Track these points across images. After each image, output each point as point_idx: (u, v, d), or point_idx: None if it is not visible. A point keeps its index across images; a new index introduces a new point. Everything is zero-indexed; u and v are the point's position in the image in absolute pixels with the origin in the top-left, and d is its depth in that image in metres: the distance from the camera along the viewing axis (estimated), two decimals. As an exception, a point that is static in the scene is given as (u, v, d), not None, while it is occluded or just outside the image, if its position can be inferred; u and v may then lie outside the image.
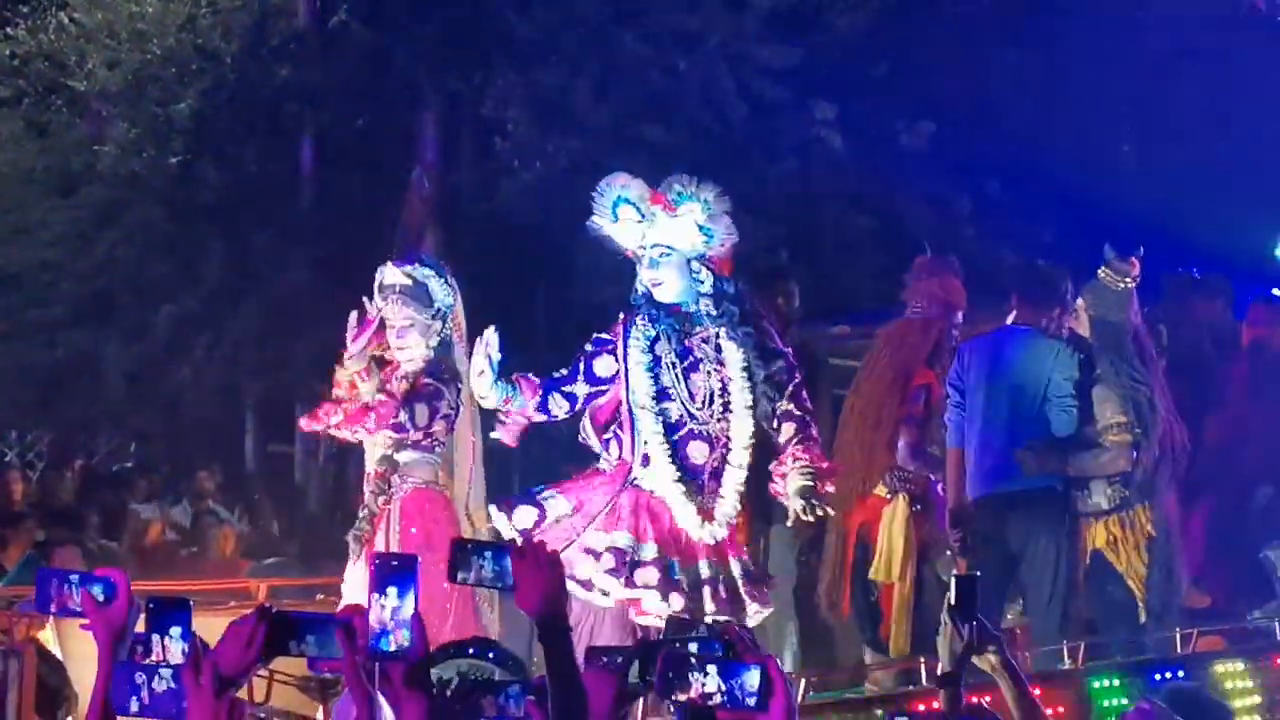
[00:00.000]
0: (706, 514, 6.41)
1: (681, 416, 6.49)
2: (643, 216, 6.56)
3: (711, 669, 3.29)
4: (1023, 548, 7.84)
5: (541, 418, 6.73)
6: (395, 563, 3.42)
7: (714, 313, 6.56)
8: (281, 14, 17.66)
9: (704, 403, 6.49)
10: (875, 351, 8.44)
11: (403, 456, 7.21)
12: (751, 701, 3.29)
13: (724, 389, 6.50)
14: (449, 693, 3.81)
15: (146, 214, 17.17)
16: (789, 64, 17.28)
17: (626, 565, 6.30)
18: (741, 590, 6.44)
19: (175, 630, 3.47)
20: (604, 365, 6.69)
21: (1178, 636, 7.29)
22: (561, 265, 17.27)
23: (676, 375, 6.52)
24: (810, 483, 6.36)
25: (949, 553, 8.02)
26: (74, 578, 3.61)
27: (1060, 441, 7.84)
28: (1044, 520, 7.83)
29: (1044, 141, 17.73)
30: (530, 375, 6.71)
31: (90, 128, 17.66)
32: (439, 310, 7.21)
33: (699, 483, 6.44)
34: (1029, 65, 18.16)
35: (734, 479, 6.48)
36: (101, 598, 3.56)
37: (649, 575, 6.28)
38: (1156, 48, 17.77)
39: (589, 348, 6.73)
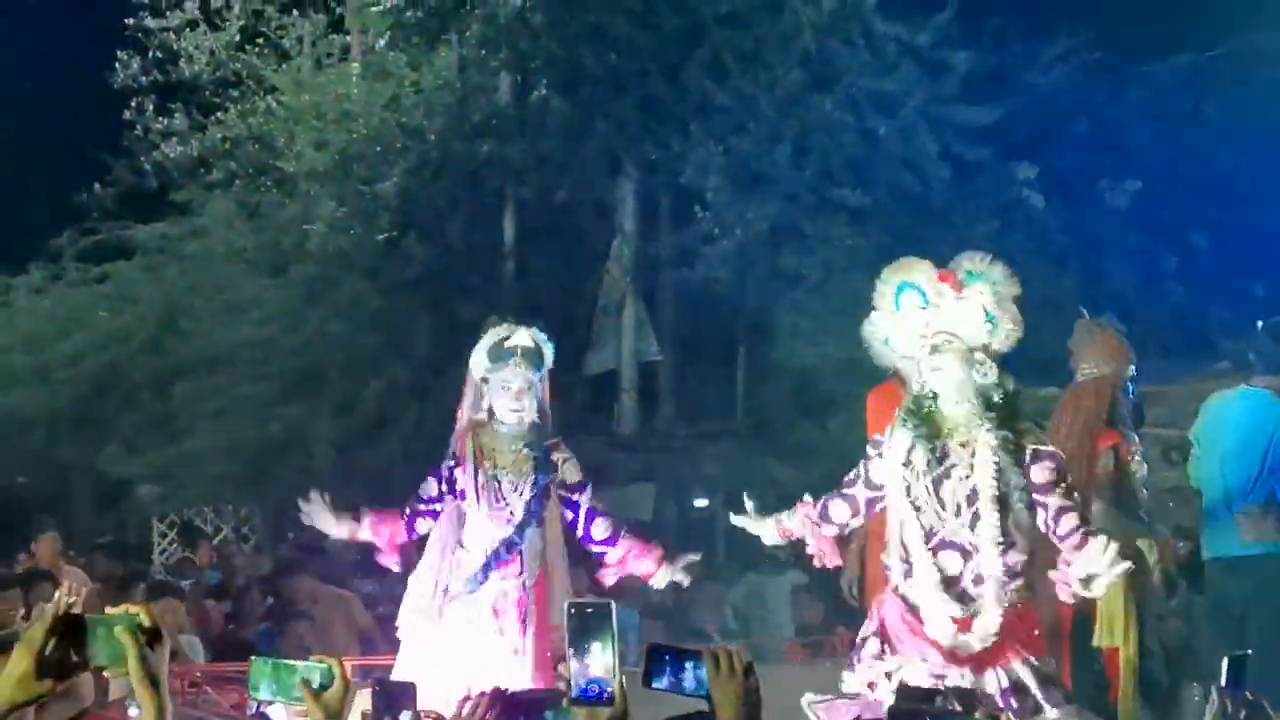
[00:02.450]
0: (963, 625, 6.16)
1: (933, 527, 6.23)
2: (927, 302, 6.18)
3: None
4: (1245, 613, 7.65)
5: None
6: (590, 610, 3.39)
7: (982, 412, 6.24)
8: (483, 90, 17.97)
9: (954, 512, 6.22)
10: (1054, 419, 8.25)
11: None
12: None
13: (973, 495, 6.18)
14: None
15: (354, 290, 17.46)
16: (988, 123, 17.16)
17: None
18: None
19: (405, 715, 3.48)
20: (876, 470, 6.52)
21: None
22: (762, 328, 17.27)
23: (928, 485, 6.26)
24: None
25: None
26: (291, 666, 3.61)
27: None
28: (1265, 587, 7.63)
29: (1251, 195, 17.41)
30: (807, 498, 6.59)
31: (298, 207, 18.04)
32: (542, 376, 7.19)
33: (956, 592, 6.17)
34: (1231, 119, 17.85)
35: (992, 590, 6.17)
36: (317, 684, 3.56)
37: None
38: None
39: (869, 450, 6.49)
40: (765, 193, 17.09)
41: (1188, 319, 16.62)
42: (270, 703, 3.69)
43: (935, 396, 6.08)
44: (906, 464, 6.13)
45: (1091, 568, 5.83)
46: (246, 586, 12.17)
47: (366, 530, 6.94)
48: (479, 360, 7.08)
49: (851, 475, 6.29)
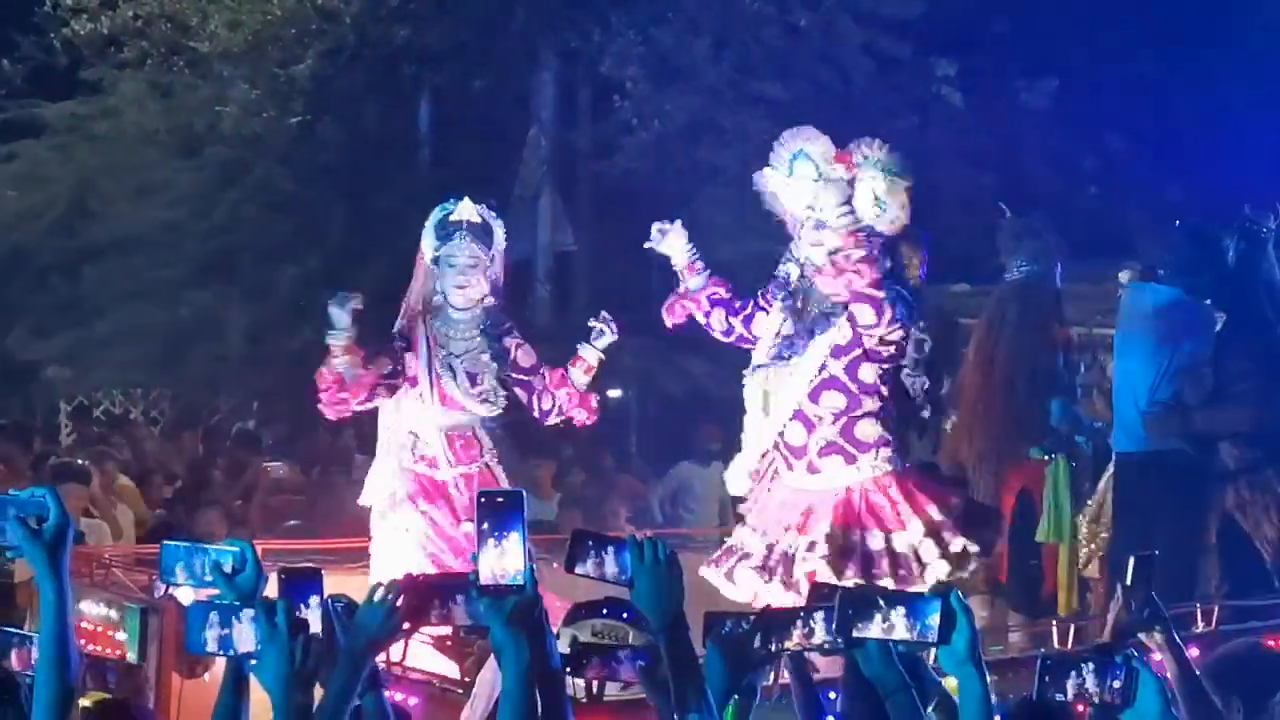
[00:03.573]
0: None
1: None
2: (819, 176, 6.33)
3: (898, 608, 3.34)
4: (1151, 510, 7.74)
5: (702, 319, 6.71)
6: (501, 499, 3.39)
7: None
8: (401, -27, 17.72)
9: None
10: (996, 314, 8.27)
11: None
12: (933, 636, 3.32)
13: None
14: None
15: (268, 174, 17.27)
16: (909, 18, 17.09)
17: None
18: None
19: (313, 599, 3.47)
20: (759, 325, 6.61)
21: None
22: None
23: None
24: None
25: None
26: (204, 549, 3.59)
27: (1185, 405, 7.72)
28: (1170, 484, 7.72)
29: (1168, 97, 17.48)
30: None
31: (212, 88, 17.79)
32: (494, 254, 7.14)
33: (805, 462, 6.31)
34: (1152, 18, 17.88)
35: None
36: (230, 569, 3.54)
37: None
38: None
39: (761, 298, 6.61)
40: (684, 85, 16.99)
41: (1104, 220, 16.69)
42: (179, 585, 3.68)
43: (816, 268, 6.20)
44: (777, 334, 6.27)
45: None
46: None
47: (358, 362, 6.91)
48: (427, 240, 7.03)
49: (739, 304, 6.40)
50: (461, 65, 17.48)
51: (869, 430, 6.21)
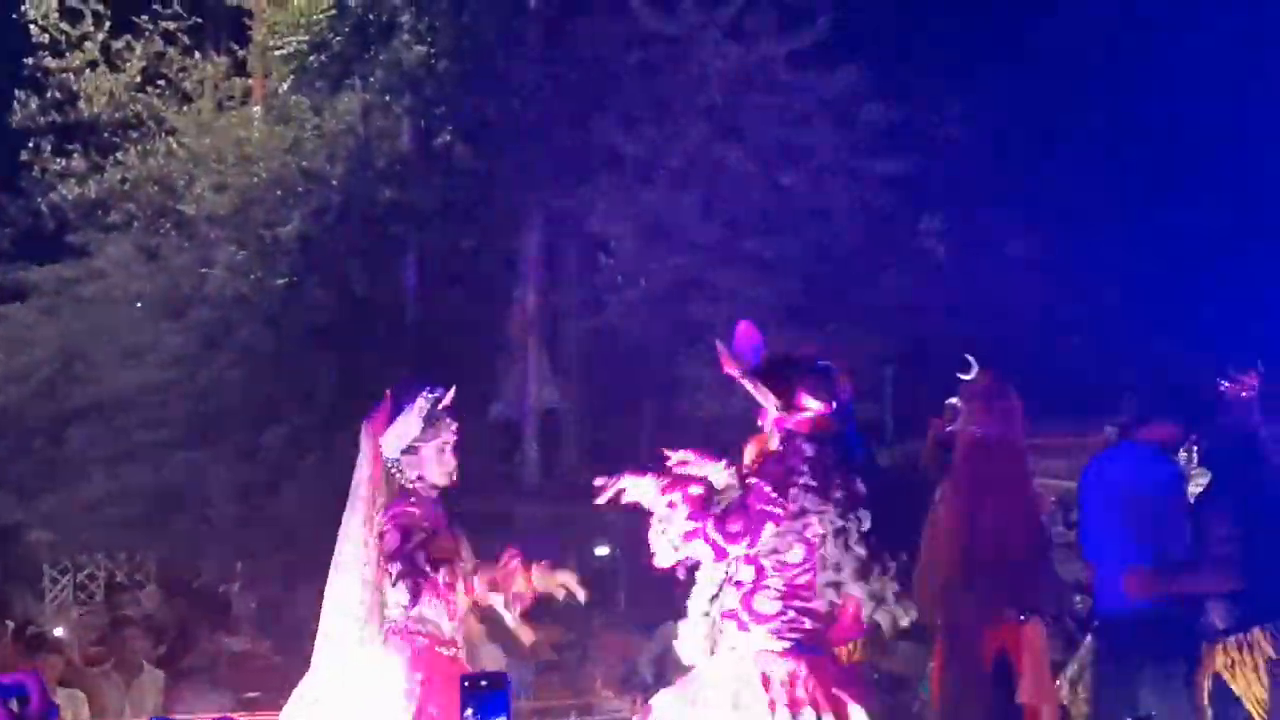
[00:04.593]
0: None
1: None
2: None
3: None
4: (1141, 672, 7.62)
5: None
6: (485, 683, 3.31)
7: None
8: (386, 136, 17.86)
9: None
10: (964, 473, 8.07)
11: None
12: None
13: None
14: None
15: (254, 335, 17.29)
16: (897, 174, 17.20)
17: None
18: None
19: None
20: None
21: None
22: (667, 379, 17.22)
23: None
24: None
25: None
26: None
27: (1168, 565, 7.64)
28: (1155, 643, 7.62)
29: (1155, 250, 17.54)
30: None
31: (198, 250, 17.86)
32: None
33: None
34: (1129, 177, 18.02)
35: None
36: (17, 706, 3.50)
37: None
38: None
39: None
40: (672, 243, 17.05)
41: (1087, 374, 16.68)
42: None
43: None
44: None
45: None
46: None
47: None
48: (415, 427, 6.90)
49: None
50: (448, 225, 17.57)
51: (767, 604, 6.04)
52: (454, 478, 6.91)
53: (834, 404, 5.94)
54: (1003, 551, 7.68)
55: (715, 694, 5.83)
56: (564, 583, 6.94)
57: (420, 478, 6.84)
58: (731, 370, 6.05)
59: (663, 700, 6.04)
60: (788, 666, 5.80)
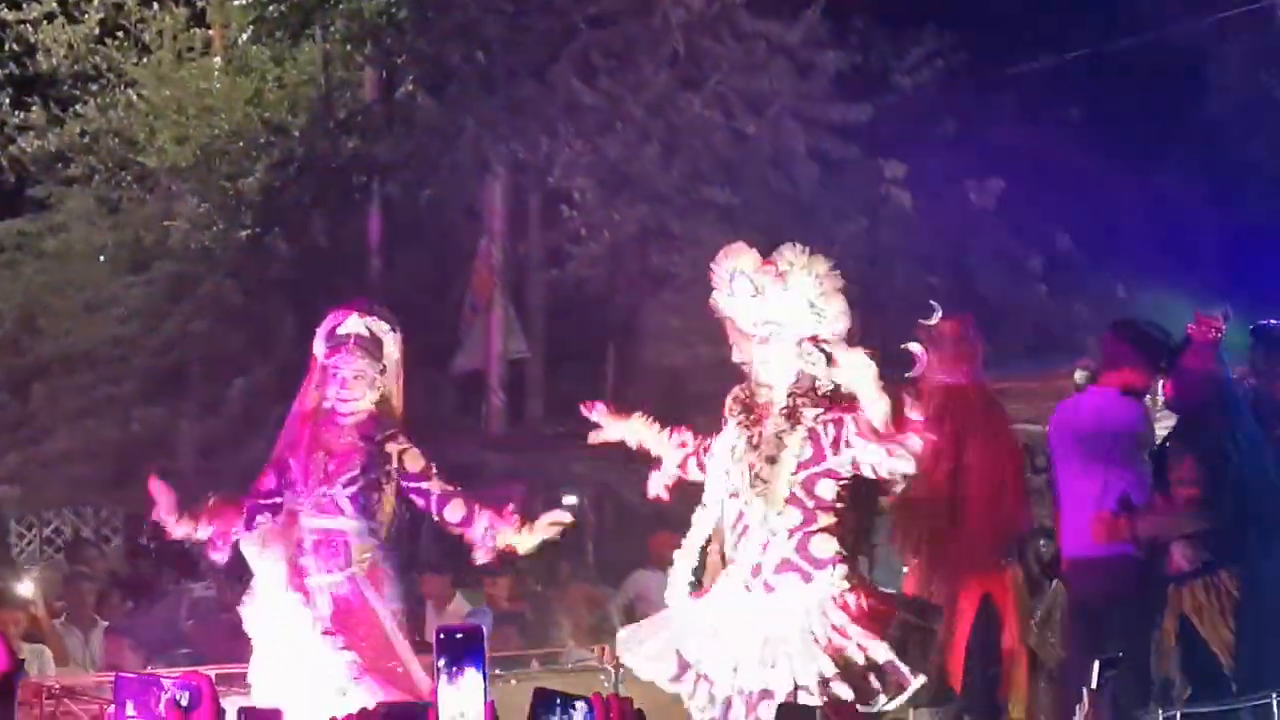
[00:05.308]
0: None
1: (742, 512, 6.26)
2: (755, 290, 6.20)
3: None
4: (1101, 614, 7.69)
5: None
6: (460, 636, 3.33)
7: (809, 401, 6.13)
8: (348, 87, 17.82)
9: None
10: (943, 410, 8.07)
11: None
12: None
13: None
14: None
15: (217, 288, 17.24)
16: (856, 122, 17.24)
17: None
18: None
19: None
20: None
21: (1274, 706, 7.03)
22: (631, 329, 17.26)
23: (743, 471, 6.26)
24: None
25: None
26: (159, 683, 3.51)
27: (1132, 507, 7.69)
28: (1122, 587, 7.68)
29: (1112, 196, 17.64)
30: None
31: (160, 203, 17.78)
32: (384, 367, 7.12)
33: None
34: (1094, 122, 18.09)
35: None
36: (186, 703, 3.46)
37: None
38: (1223, 98, 17.69)
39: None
40: (634, 193, 17.06)
41: (1052, 318, 16.80)
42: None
43: (770, 388, 6.13)
44: (732, 451, 6.19)
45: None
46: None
47: (204, 527, 6.83)
48: (318, 346, 7.02)
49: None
50: (410, 176, 17.53)
51: (825, 546, 6.08)
52: (336, 408, 6.94)
53: None
54: (993, 497, 7.73)
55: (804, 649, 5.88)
56: (551, 523, 6.97)
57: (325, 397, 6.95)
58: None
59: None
60: (854, 599, 5.90)
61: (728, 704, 6.02)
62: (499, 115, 16.97)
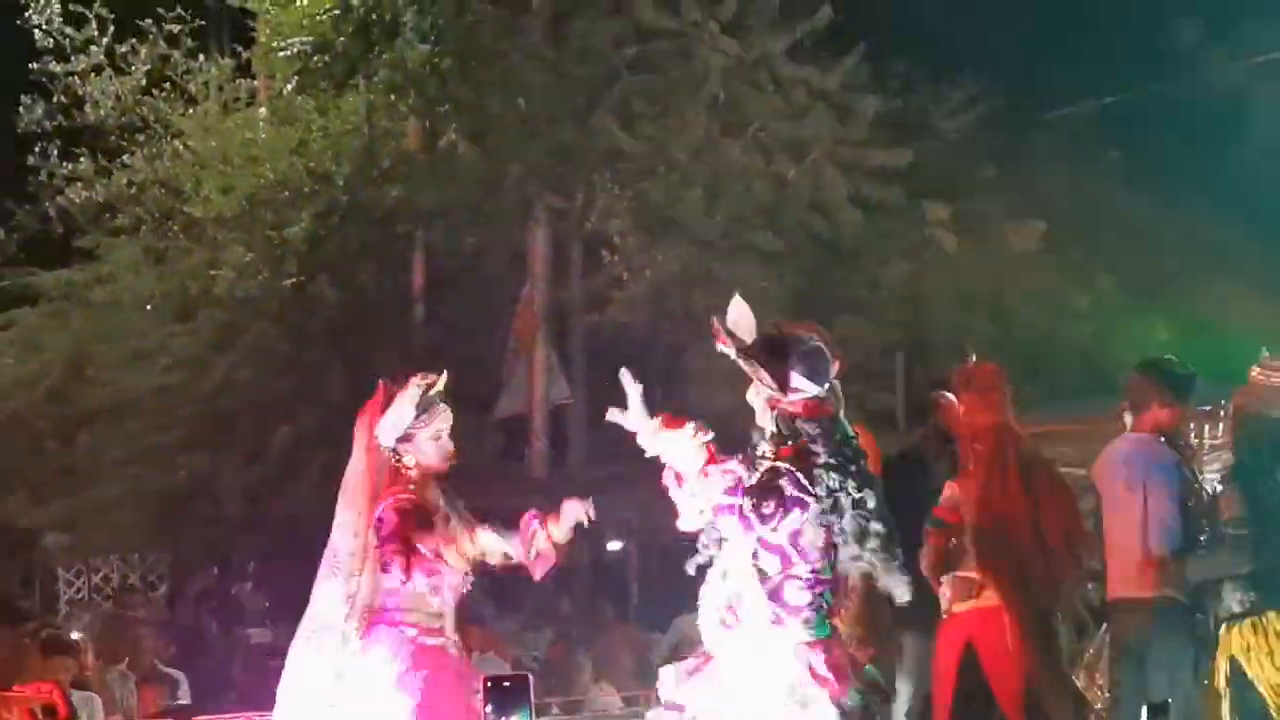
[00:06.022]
0: None
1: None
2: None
3: None
4: (1147, 657, 7.65)
5: None
6: (507, 684, 3.37)
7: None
8: (391, 136, 17.93)
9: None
10: (1002, 464, 8.03)
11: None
12: None
13: None
14: None
15: (262, 335, 17.33)
16: (897, 166, 17.30)
17: None
18: None
19: None
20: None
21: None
22: (676, 372, 17.28)
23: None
24: None
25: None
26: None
27: (1179, 549, 7.66)
28: (1167, 631, 7.64)
29: (1153, 237, 17.64)
30: None
31: (206, 252, 17.89)
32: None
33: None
34: (1134, 164, 18.11)
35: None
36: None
37: None
38: (1262, 139, 17.68)
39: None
40: (676, 237, 17.13)
41: (1093, 360, 16.74)
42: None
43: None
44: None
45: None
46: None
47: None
48: (401, 420, 6.89)
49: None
50: (453, 223, 17.63)
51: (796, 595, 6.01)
52: (453, 461, 6.93)
53: (826, 385, 5.87)
54: (1067, 533, 7.71)
55: (770, 697, 5.79)
56: (576, 514, 6.91)
57: (417, 464, 6.88)
58: (726, 348, 5.97)
59: (693, 695, 6.00)
60: (825, 653, 5.81)
61: None
62: (540, 162, 17.06)
